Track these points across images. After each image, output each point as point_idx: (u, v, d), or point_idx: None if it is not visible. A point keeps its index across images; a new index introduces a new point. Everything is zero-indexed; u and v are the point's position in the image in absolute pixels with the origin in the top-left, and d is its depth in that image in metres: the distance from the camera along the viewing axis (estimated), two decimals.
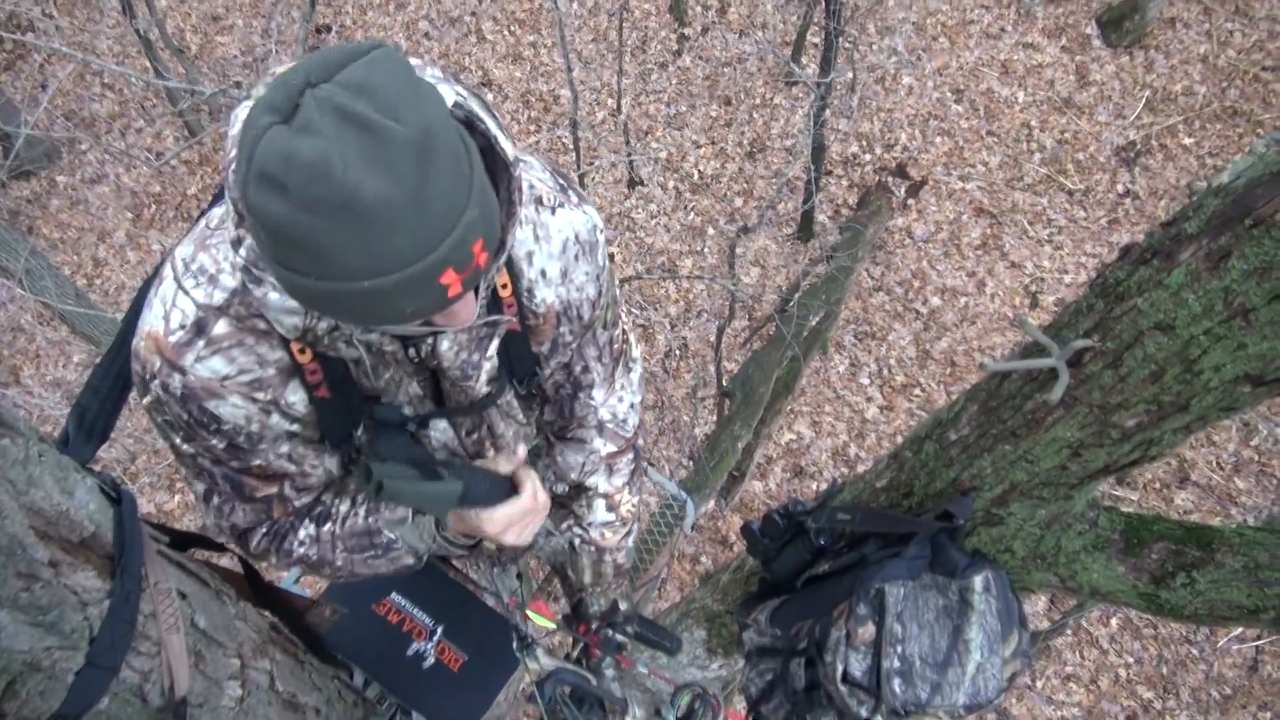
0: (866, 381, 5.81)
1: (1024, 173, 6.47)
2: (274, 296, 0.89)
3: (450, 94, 0.86)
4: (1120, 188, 6.36)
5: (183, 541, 1.23)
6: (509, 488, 1.18)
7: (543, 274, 1.11)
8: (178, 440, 1.03)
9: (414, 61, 0.85)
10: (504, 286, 1.09)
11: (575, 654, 1.73)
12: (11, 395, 5.44)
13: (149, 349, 0.96)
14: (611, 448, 1.47)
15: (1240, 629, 4.79)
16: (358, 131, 0.70)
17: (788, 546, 1.55)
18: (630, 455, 1.51)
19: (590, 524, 1.56)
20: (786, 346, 4.94)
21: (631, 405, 1.47)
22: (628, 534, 1.61)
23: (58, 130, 6.63)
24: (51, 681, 0.87)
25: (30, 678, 0.84)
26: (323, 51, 0.75)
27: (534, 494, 1.19)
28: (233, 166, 0.81)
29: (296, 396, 1.01)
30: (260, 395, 0.99)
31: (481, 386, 1.12)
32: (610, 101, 6.77)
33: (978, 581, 1.28)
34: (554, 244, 1.10)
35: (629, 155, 6.10)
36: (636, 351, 1.46)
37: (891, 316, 6.03)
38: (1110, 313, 1.03)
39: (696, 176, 6.63)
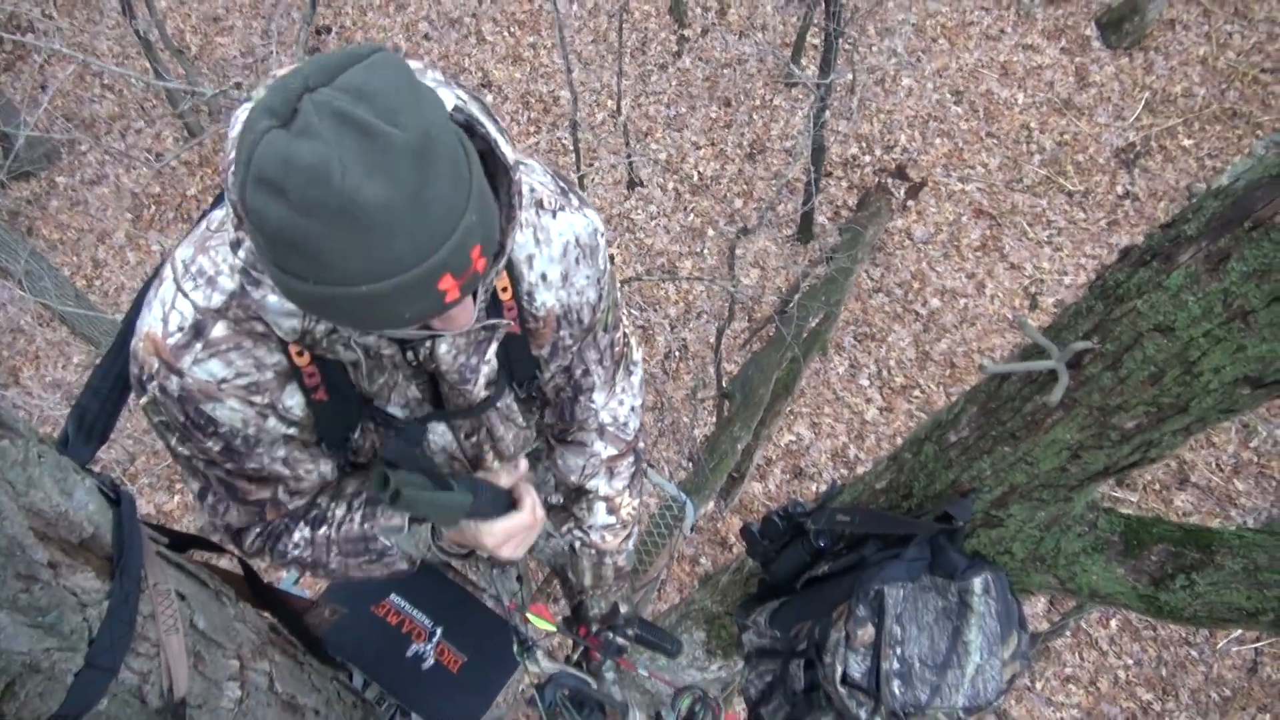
0: (866, 383, 5.80)
1: (1023, 174, 6.47)
2: (272, 299, 0.89)
3: (450, 98, 0.86)
4: (1120, 189, 6.36)
5: (182, 543, 1.23)
6: (509, 501, 1.19)
7: (543, 277, 1.11)
8: (174, 441, 1.04)
9: (414, 64, 0.85)
10: (504, 290, 1.08)
11: (575, 656, 1.73)
12: (11, 396, 5.43)
13: (147, 350, 0.96)
14: (612, 451, 1.47)
15: (1239, 631, 4.79)
16: (356, 136, 0.70)
17: (787, 548, 1.55)
18: (631, 458, 1.51)
19: (591, 527, 1.56)
20: (786, 348, 4.94)
21: (632, 408, 1.46)
22: (628, 537, 1.61)
23: (57, 131, 6.61)
24: (51, 682, 0.87)
25: (29, 679, 0.84)
26: (322, 55, 0.75)
27: (533, 509, 1.19)
28: (231, 169, 0.81)
29: (294, 400, 1.01)
30: (257, 399, 0.99)
31: (480, 389, 1.12)
32: (610, 103, 6.76)
33: (977, 583, 1.28)
34: (555, 247, 1.10)
35: (629, 156, 6.09)
36: (637, 354, 1.46)
37: (891, 318, 6.03)
38: (1110, 314, 1.03)
39: (696, 178, 6.62)
